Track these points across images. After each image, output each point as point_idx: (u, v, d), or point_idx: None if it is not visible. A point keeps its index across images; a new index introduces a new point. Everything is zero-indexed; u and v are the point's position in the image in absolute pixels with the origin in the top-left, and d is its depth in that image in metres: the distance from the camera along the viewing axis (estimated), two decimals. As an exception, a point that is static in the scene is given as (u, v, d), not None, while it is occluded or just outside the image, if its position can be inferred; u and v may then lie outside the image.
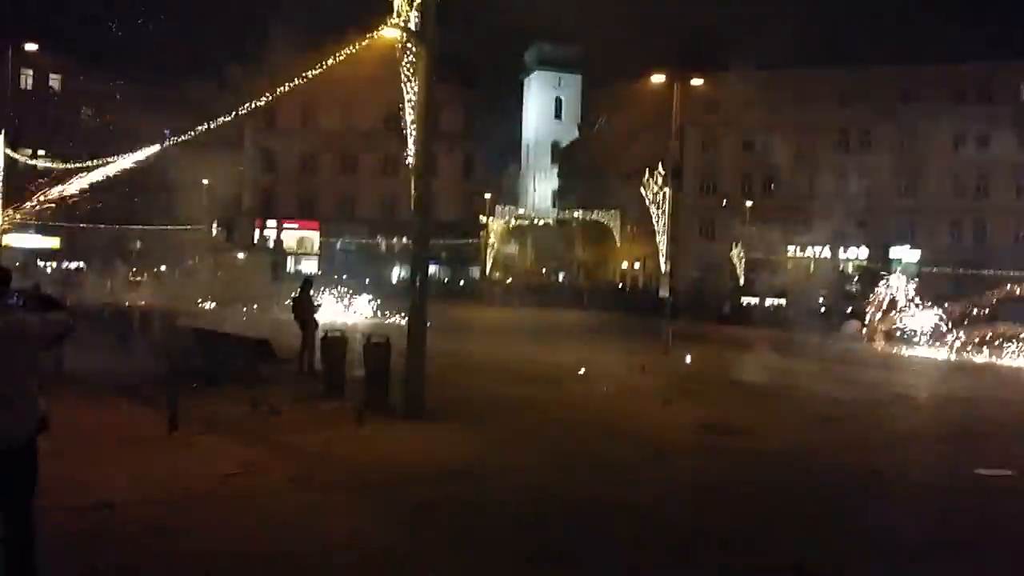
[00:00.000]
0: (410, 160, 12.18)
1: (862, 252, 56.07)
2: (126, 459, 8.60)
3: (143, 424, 10.15)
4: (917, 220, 52.74)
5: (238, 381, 13.01)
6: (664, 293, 24.88)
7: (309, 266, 60.09)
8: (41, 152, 38.55)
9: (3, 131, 26.86)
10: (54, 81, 56.03)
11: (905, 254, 55.13)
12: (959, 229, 51.69)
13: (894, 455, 10.84)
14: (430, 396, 11.71)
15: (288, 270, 48.50)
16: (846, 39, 51.95)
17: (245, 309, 26.73)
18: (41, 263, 41.94)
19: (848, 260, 56.61)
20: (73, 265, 42.08)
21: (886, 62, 53.01)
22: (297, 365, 14.87)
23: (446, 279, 56.14)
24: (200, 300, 29.72)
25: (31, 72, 53.88)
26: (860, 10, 54.93)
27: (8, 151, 26.63)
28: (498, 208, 62.87)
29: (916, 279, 30.06)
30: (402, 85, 12.17)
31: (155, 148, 22.17)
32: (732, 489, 8.64)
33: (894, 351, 26.37)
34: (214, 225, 41.79)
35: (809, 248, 57.54)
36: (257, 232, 43.28)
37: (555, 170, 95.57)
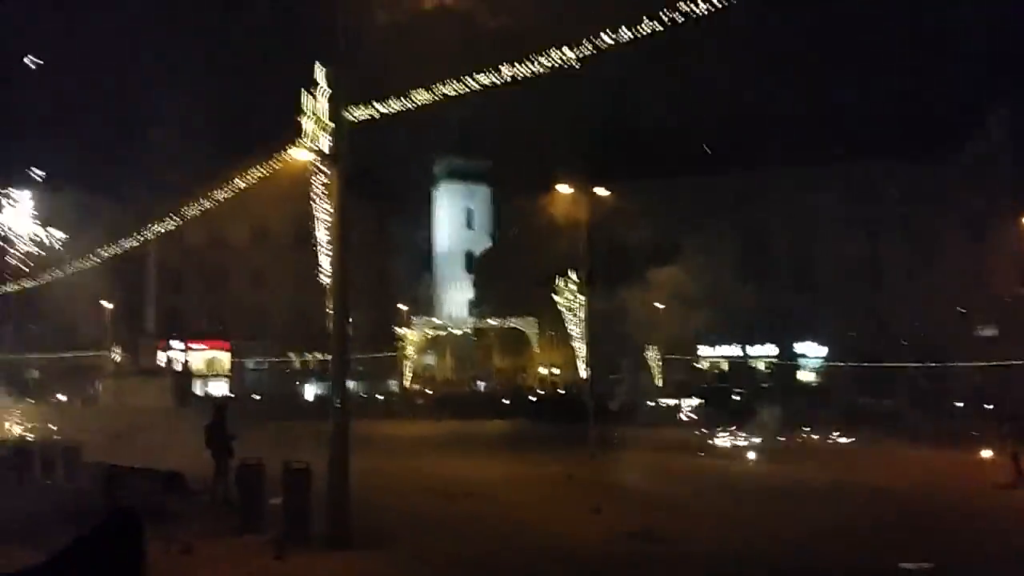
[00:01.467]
0: (324, 279, 12.05)
1: (770, 349, 57.87)
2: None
3: (42, 574, 9.32)
4: (818, 315, 54.88)
5: (148, 518, 12.18)
6: (585, 398, 24.91)
7: (219, 388, 58.03)
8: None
9: None
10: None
11: (810, 350, 57.10)
12: (860, 324, 53.90)
13: (818, 551, 10.87)
14: (356, 521, 11.21)
15: (197, 392, 46.73)
16: (742, 144, 54.75)
17: (152, 437, 25.40)
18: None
19: (758, 358, 58.29)
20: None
21: (780, 163, 56.04)
22: (211, 496, 14.11)
23: (363, 393, 55.02)
24: (104, 430, 28.16)
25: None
26: (749, 112, 58.70)
27: None
28: (414, 319, 62.60)
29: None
30: (312, 204, 12.15)
31: (56, 272, 21.47)
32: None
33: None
34: (116, 349, 40.16)
35: (719, 347, 59.14)
36: (163, 355, 41.77)
37: (470, 279, 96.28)
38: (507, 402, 47.43)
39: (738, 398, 42.51)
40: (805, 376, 57.65)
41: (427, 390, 58.50)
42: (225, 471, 14.18)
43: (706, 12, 10.49)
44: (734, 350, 58.77)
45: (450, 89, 11.88)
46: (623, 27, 10.42)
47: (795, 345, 56.74)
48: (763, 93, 59.87)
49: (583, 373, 26.38)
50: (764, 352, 58.06)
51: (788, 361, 56.36)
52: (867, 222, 56.03)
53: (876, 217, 55.71)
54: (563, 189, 28.85)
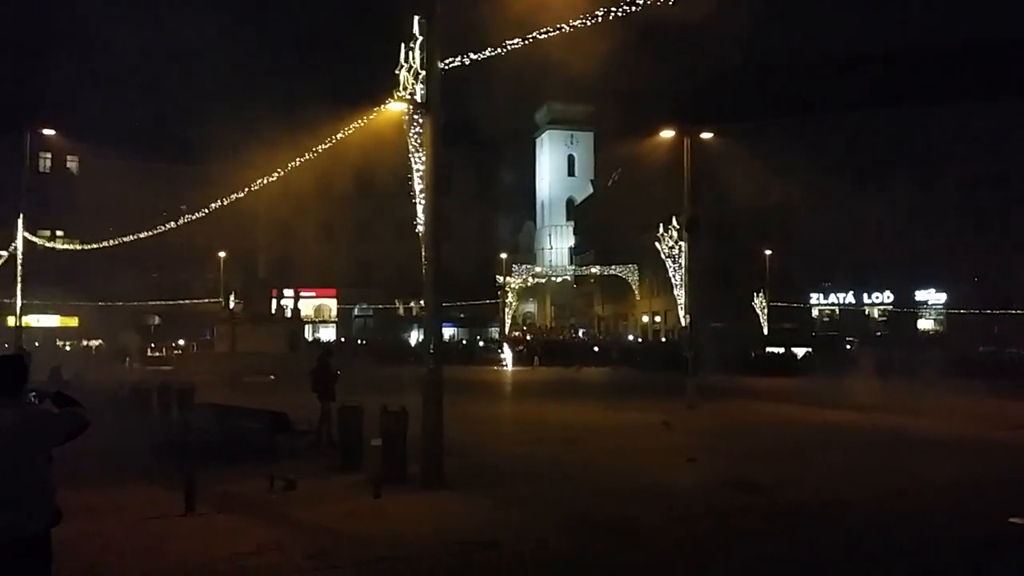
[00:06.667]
0: (420, 228, 12.17)
1: (886, 297, 55.44)
2: (141, 543, 8.43)
3: (160, 505, 9.96)
4: (940, 262, 51.99)
5: (255, 455, 12.87)
6: (685, 347, 24.60)
7: (327, 334, 60.16)
8: (60, 233, 39.36)
9: (22, 215, 27.35)
10: (71, 163, 56.94)
11: (931, 297, 54.40)
12: (984, 269, 50.74)
13: (923, 503, 10.48)
14: (449, 463, 11.49)
15: (307, 338, 48.53)
16: (854, 84, 51.77)
17: (263, 380, 26.65)
18: (60, 342, 42.20)
19: (873, 305, 55.93)
20: (93, 343, 42.41)
21: (897, 104, 52.81)
22: (316, 437, 14.70)
23: (464, 340, 56.02)
24: (218, 373, 29.67)
25: (49, 155, 54.81)
26: (867, 52, 55.55)
27: (27, 234, 27.06)
28: (515, 267, 62.95)
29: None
30: (410, 155, 12.24)
31: (171, 224, 22.50)
32: (755, 550, 8.39)
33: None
34: (231, 297, 41.98)
35: (832, 295, 57.01)
36: (274, 302, 43.41)
37: (571, 227, 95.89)
38: (607, 348, 47.36)
39: (850, 347, 41.22)
40: (925, 324, 55.16)
41: (527, 336, 59.04)
42: (329, 413, 14.74)
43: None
44: (848, 298, 56.63)
45: (540, 34, 11.66)
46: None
47: (916, 293, 54.16)
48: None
49: (683, 321, 25.98)
50: (880, 300, 55.68)
51: (905, 309, 53.90)
52: (996, 163, 52.31)
53: (1005, 157, 51.84)
54: (665, 134, 28.16)
